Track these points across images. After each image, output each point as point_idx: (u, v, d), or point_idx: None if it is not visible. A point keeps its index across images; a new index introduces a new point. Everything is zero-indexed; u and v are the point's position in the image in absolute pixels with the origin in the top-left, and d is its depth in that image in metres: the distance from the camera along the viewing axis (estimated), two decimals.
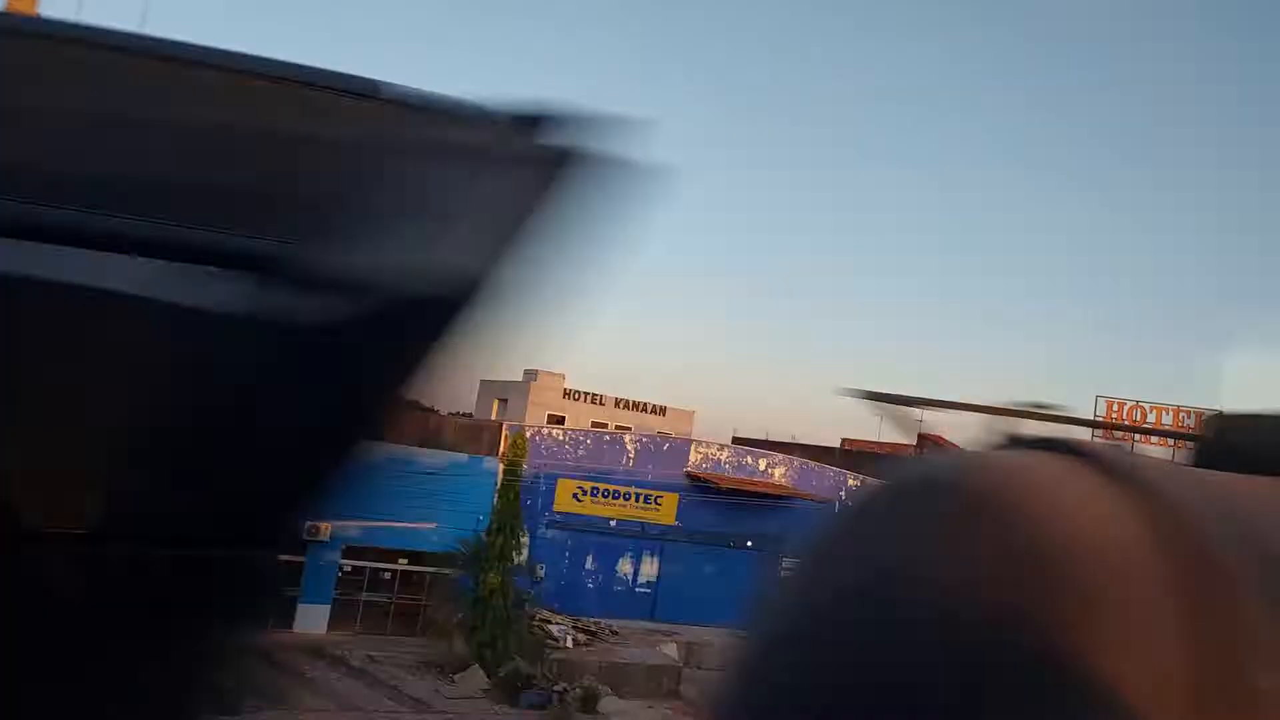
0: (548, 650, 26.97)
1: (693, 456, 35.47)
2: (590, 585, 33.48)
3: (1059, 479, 0.45)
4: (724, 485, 34.42)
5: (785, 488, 36.76)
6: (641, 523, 34.41)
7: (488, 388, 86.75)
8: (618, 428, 77.25)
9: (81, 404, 0.78)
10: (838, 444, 53.03)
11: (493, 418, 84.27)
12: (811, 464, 39.29)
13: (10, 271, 0.73)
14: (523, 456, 28.48)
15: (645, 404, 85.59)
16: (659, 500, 34.62)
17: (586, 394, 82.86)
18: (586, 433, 34.75)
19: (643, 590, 34.50)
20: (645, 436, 35.59)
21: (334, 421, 0.88)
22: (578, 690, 25.03)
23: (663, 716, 25.63)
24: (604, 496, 33.65)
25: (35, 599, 0.77)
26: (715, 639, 33.30)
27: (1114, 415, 50.73)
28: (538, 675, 25.66)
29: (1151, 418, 50.19)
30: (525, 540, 27.52)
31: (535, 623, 28.35)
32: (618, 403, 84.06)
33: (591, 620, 30.61)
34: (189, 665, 0.87)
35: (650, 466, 34.52)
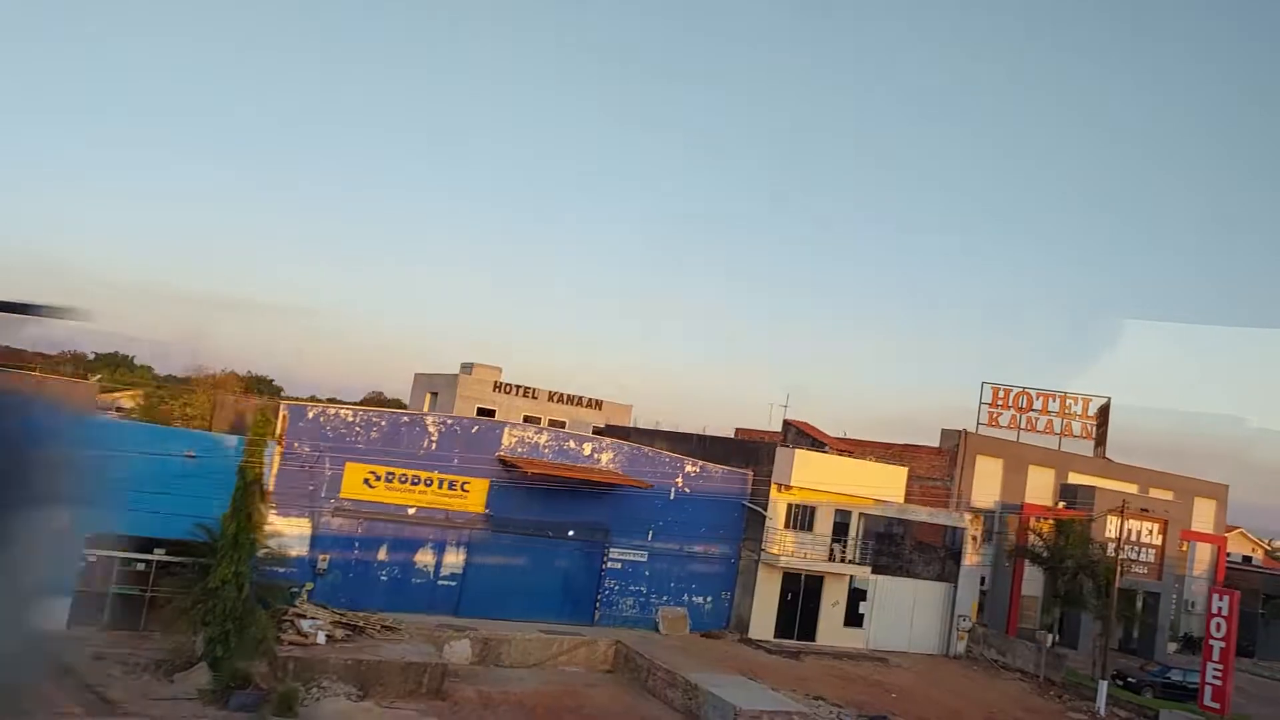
0: (286, 648, 24.56)
1: (505, 440, 33.12)
2: (384, 578, 31.06)
3: None
4: (538, 470, 32.11)
5: (611, 473, 34.49)
6: (446, 511, 32.05)
7: (422, 381, 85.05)
8: (551, 422, 75.23)
9: None
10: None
11: (424, 408, 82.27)
12: (646, 449, 36.99)
13: None
14: (265, 435, 26.03)
15: (580, 397, 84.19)
16: (465, 487, 32.26)
17: (518, 387, 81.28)
18: (381, 413, 32.30)
19: (447, 584, 32.09)
20: (451, 419, 33.17)
21: None
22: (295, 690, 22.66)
23: (382, 715, 23.27)
24: (400, 482, 31.25)
25: None
26: (521, 635, 31.06)
27: (999, 401, 48.80)
28: (264, 674, 23.28)
29: (1038, 404, 48.22)
30: (265, 527, 25.01)
31: (287, 618, 25.96)
32: (551, 396, 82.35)
33: (364, 615, 28.22)
34: None
35: (456, 450, 32.15)
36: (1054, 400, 49.32)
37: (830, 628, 37.88)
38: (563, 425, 64.89)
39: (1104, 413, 49.45)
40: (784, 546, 36.23)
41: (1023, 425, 49.31)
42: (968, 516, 41.61)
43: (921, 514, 40.69)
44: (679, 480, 36.17)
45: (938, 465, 44.58)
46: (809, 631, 37.52)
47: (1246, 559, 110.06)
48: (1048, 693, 36.36)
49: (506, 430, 33.39)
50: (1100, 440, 51.55)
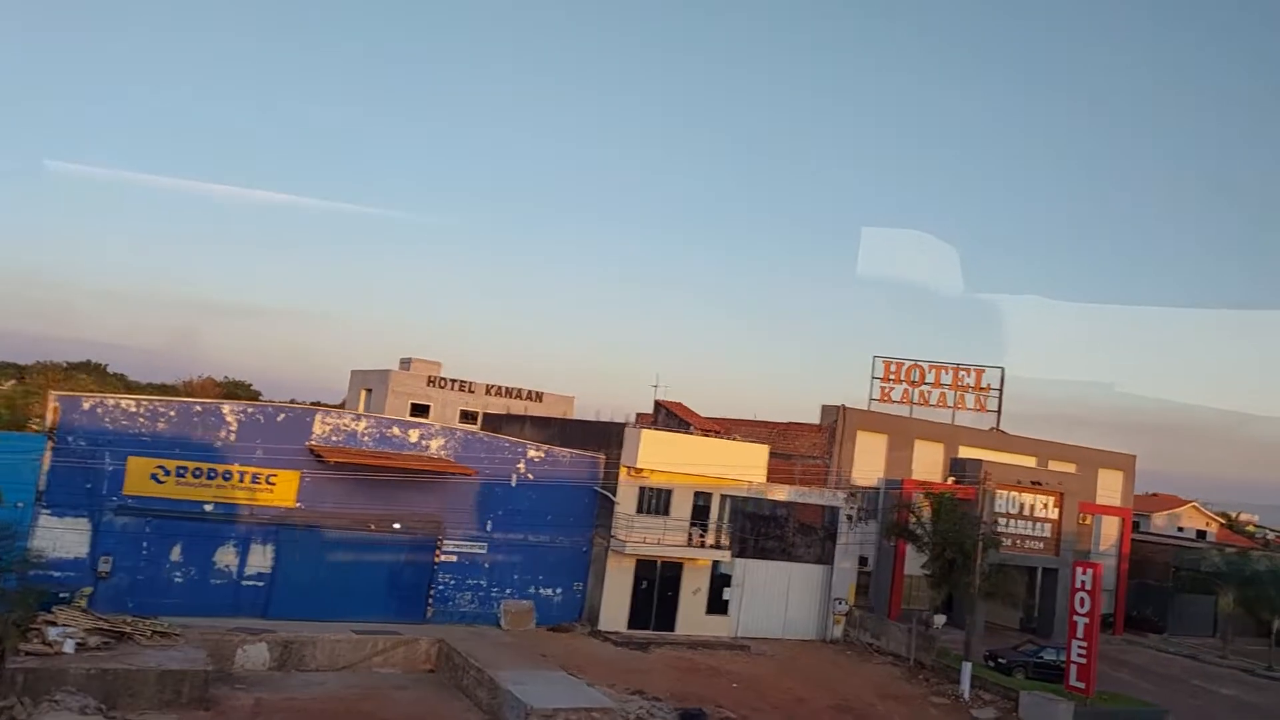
0: (22, 658, 22.37)
1: (317, 429, 30.94)
2: (178, 580, 28.86)
3: None
4: (341, 459, 29.97)
5: (442, 462, 32.39)
6: (250, 506, 29.88)
7: (357, 377, 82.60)
8: (486, 415, 72.83)
9: None
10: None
11: (360, 406, 79.91)
12: (483, 435, 34.95)
13: None
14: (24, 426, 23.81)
15: (520, 390, 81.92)
16: (272, 479, 30.09)
17: (454, 381, 79.11)
18: (169, 402, 30.04)
19: (253, 584, 29.91)
20: (252, 407, 30.97)
21: None
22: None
23: None
24: (195, 476, 29.05)
25: None
26: (329, 636, 28.95)
27: (892, 375, 46.99)
28: None
29: (931, 377, 46.38)
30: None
31: (35, 625, 23.76)
32: (489, 389, 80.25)
33: (133, 620, 26.00)
34: None
35: (259, 441, 29.98)
36: (946, 373, 47.52)
37: (691, 616, 35.91)
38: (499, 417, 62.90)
39: (1000, 385, 47.68)
40: (634, 533, 34.22)
41: (915, 400, 47.50)
42: (841, 495, 39.74)
43: (791, 493, 38.76)
44: (521, 466, 34.10)
45: (818, 443, 42.68)
46: (667, 621, 35.53)
47: (1201, 533, 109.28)
48: (916, 676, 34.54)
49: (318, 418, 31.20)
50: (997, 413, 49.81)
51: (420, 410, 75.87)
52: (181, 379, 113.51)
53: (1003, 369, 47.54)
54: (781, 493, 38.59)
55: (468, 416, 76.96)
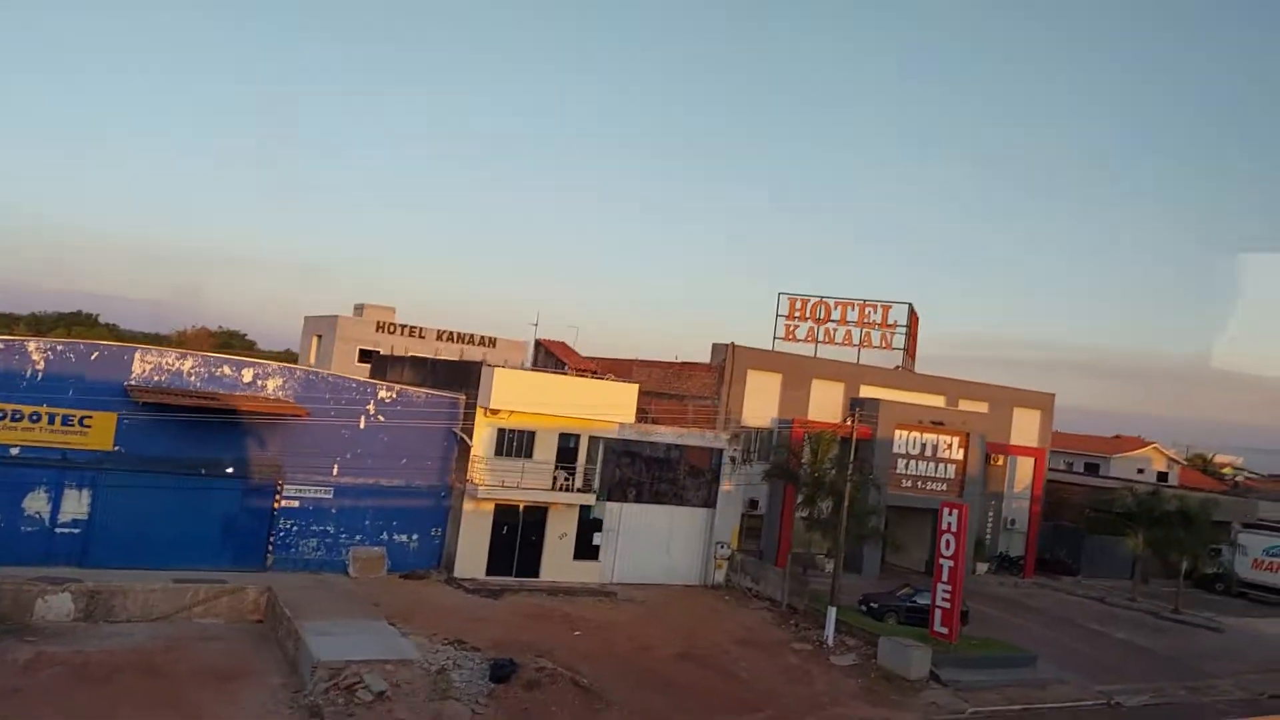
0: None
1: (137, 367, 29.16)
2: None
3: None
4: (152, 399, 28.21)
5: (270, 402, 30.67)
6: (63, 450, 28.20)
7: (310, 324, 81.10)
8: (437, 361, 71.74)
9: None
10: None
11: (312, 353, 78.58)
12: (328, 375, 33.24)
13: None
14: None
15: (471, 335, 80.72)
16: (86, 421, 28.36)
17: (404, 327, 77.89)
18: None
19: (68, 531, 28.33)
20: (62, 344, 29.11)
21: None
22: None
23: None
24: None
25: None
26: (143, 585, 27.42)
27: (797, 311, 45.24)
28: None
29: (836, 314, 44.63)
30: None
31: None
32: (440, 335, 78.95)
33: None
34: None
35: (71, 381, 28.20)
36: (852, 309, 45.70)
37: (558, 562, 34.50)
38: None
39: (908, 322, 45.91)
40: (492, 476, 32.66)
41: (820, 337, 45.76)
42: (724, 436, 38.16)
43: (670, 434, 37.16)
44: (370, 408, 32.41)
45: (709, 383, 41.00)
46: (531, 567, 34.13)
47: (1163, 476, 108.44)
48: (787, 622, 33.26)
49: (138, 356, 29.41)
50: (909, 351, 48.13)
51: (369, 356, 74.92)
52: (175, 329, 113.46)
53: (909, 305, 45.75)
54: (658, 433, 36.99)
55: (420, 362, 76.23)
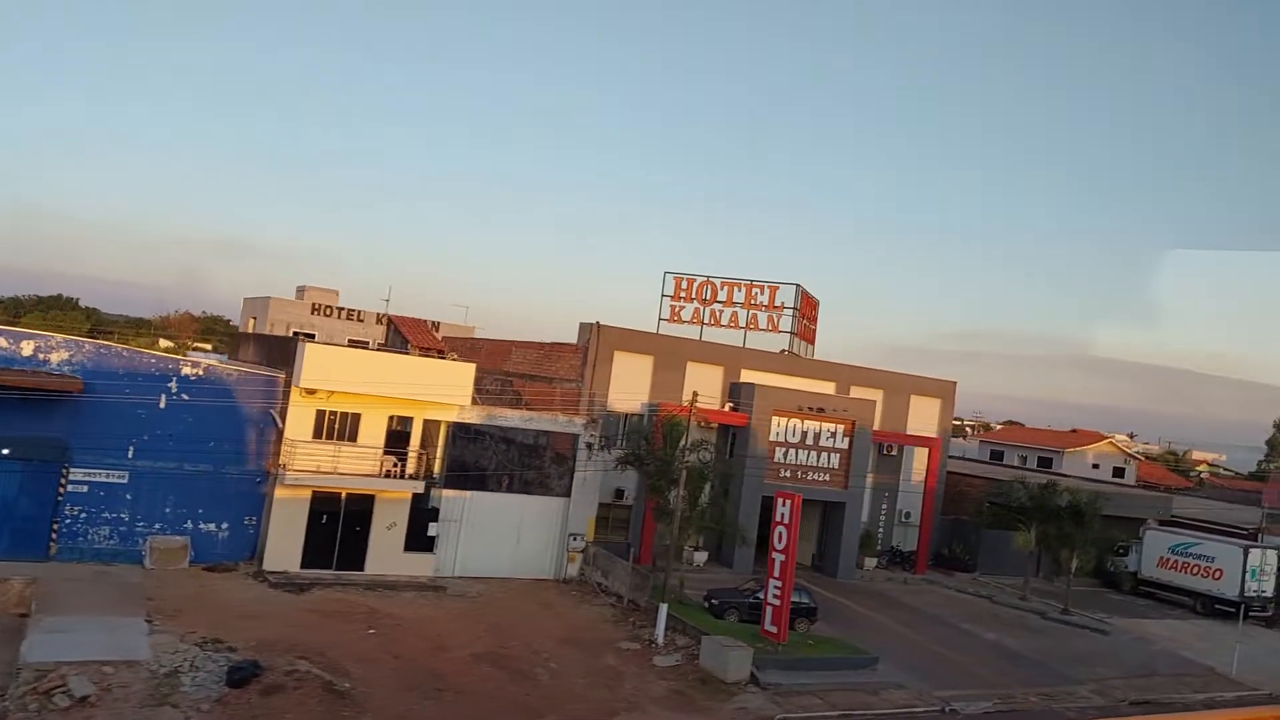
0: None
1: None
2: None
3: None
4: None
5: (38, 377, 28.22)
6: None
7: (249, 305, 79.11)
8: (379, 345, 69.61)
9: None
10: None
11: (250, 330, 76.61)
12: (122, 349, 30.83)
13: None
14: None
15: (411, 319, 79.03)
16: None
17: (343, 310, 76.07)
18: None
19: None
20: None
21: None
22: None
23: None
24: None
25: None
26: None
27: (683, 291, 42.99)
28: None
29: (723, 294, 42.39)
30: None
31: None
32: (379, 318, 76.98)
33: None
34: None
35: None
36: (739, 290, 43.47)
37: (386, 554, 32.20)
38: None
39: (796, 304, 43.66)
40: (307, 461, 30.35)
41: (706, 319, 43.53)
42: (580, 421, 35.91)
43: (514, 419, 34.92)
44: (173, 385, 30.03)
45: (575, 365, 38.70)
46: (354, 560, 31.82)
47: (1119, 470, 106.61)
48: (627, 619, 31.08)
49: None
50: (806, 335, 45.95)
51: (307, 338, 73.25)
52: (159, 314, 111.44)
53: (797, 286, 43.47)
54: (503, 417, 34.74)
55: (355, 344, 74.69)
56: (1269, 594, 42.90)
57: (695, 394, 32.76)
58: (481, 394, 44.51)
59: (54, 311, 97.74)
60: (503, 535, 34.84)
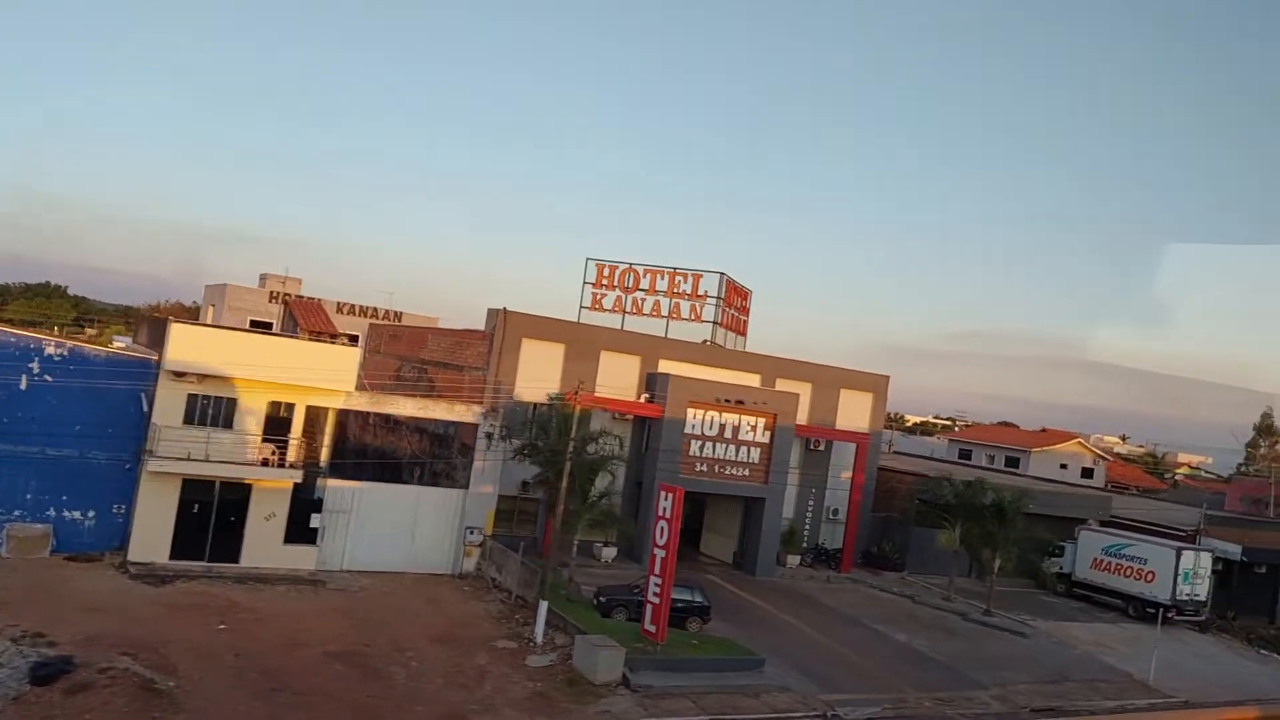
0: None
1: None
2: None
3: None
4: None
5: None
6: None
7: (209, 292, 77.86)
8: (330, 337, 68.78)
9: None
10: None
11: (209, 318, 75.35)
12: None
13: None
14: None
15: (375, 309, 77.77)
16: None
17: (300, 297, 74.98)
18: None
19: None
20: None
21: None
22: None
23: None
24: None
25: None
26: None
27: (604, 279, 41.60)
28: None
29: (645, 282, 41.03)
30: None
31: None
32: (340, 307, 75.65)
33: None
34: None
35: None
36: (662, 278, 42.09)
37: (264, 546, 30.75)
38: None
39: (719, 293, 42.30)
40: (175, 447, 28.88)
41: (628, 307, 42.14)
42: (479, 410, 34.50)
43: (406, 406, 33.50)
44: (35, 366, 28.54)
45: (483, 352, 37.28)
46: (229, 551, 30.36)
47: (1088, 471, 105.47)
48: (514, 616, 29.72)
49: None
50: (736, 326, 44.63)
51: (261, 327, 72.19)
52: (148, 302, 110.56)
53: (722, 274, 42.12)
54: (394, 405, 33.33)
55: (315, 335, 73.50)
56: (1202, 598, 41.73)
57: (580, 382, 31.40)
58: (398, 382, 43.17)
59: (40, 299, 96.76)
60: (397, 528, 33.45)
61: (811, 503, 43.58)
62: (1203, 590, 41.66)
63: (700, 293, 41.89)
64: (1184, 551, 41.22)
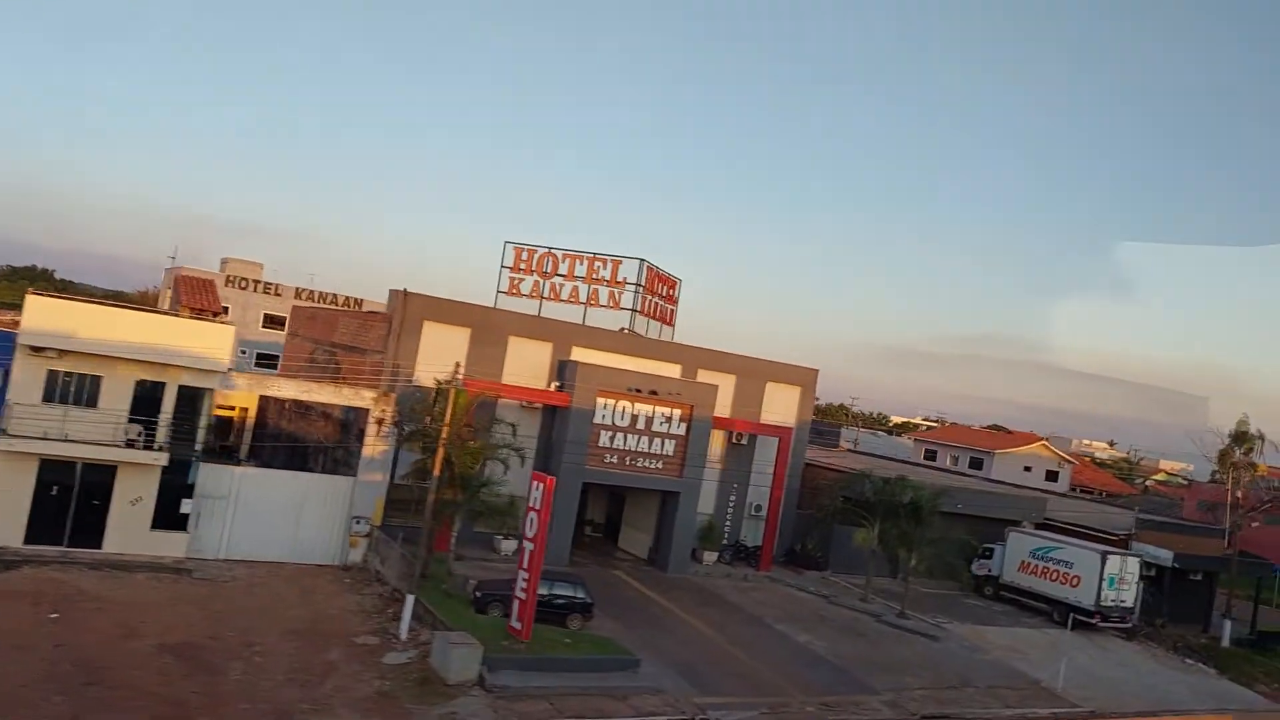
0: None
1: None
2: None
3: None
4: None
5: None
6: None
7: (168, 275, 76.70)
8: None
9: None
10: None
11: (165, 304, 74.21)
12: None
13: None
14: None
15: (334, 295, 77.48)
16: None
17: (258, 283, 74.66)
18: None
19: None
20: None
21: None
22: None
23: None
24: None
25: None
26: None
27: (523, 263, 40.20)
28: None
29: (564, 267, 39.66)
30: None
31: None
32: (298, 293, 75.05)
33: None
34: None
35: None
36: (581, 263, 40.70)
37: (129, 532, 29.25)
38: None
39: (660, 283, 40.94)
40: (28, 425, 27.34)
41: (546, 293, 40.73)
42: (370, 395, 33.06)
43: (290, 389, 32.05)
44: None
45: (384, 335, 35.80)
46: (91, 536, 28.85)
47: (1053, 474, 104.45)
48: (388, 609, 28.31)
49: None
50: (661, 315, 43.28)
51: (222, 312, 71.50)
52: (138, 289, 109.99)
53: (642, 261, 40.71)
54: (278, 387, 31.88)
55: (272, 320, 72.54)
56: (1129, 604, 40.56)
57: (457, 364, 29.97)
58: (311, 365, 41.68)
59: (23, 281, 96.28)
60: (282, 516, 32.01)
61: (734, 498, 42.27)
62: (1129, 596, 40.51)
63: (620, 279, 40.50)
64: (1110, 556, 40.02)
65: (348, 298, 75.20)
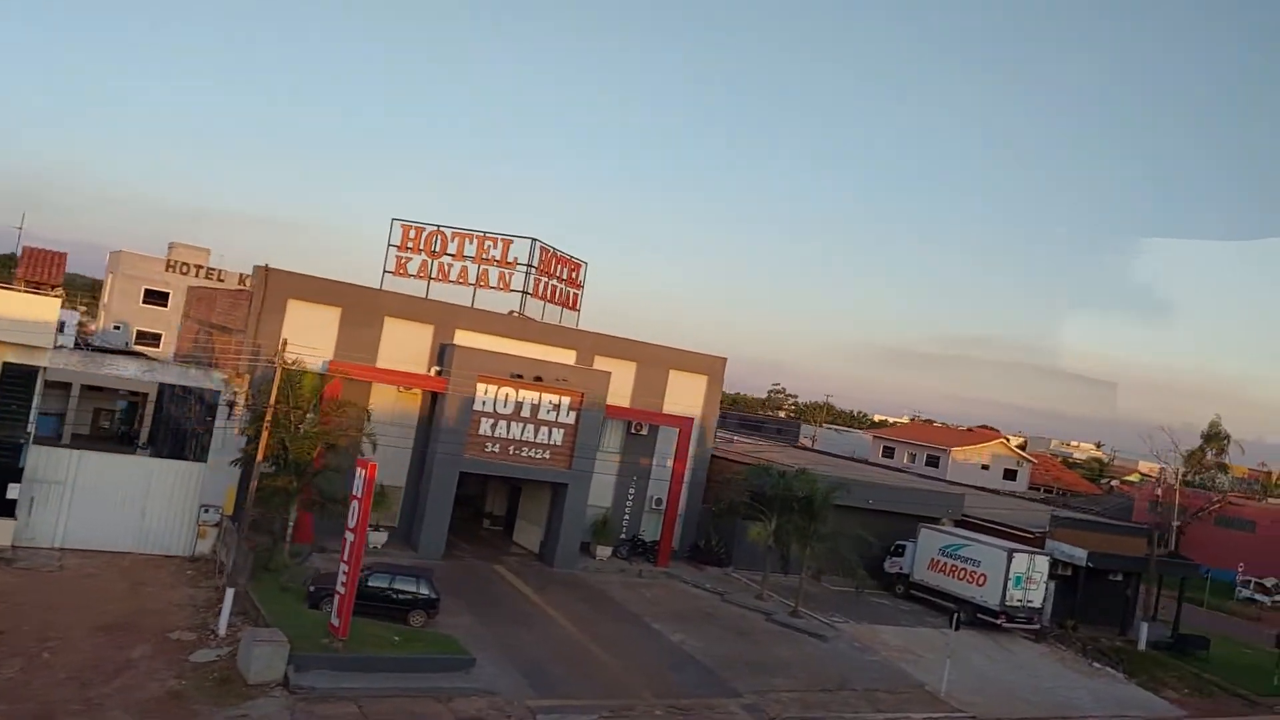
0: None
1: None
2: None
3: None
4: None
5: None
6: None
7: (112, 259, 74.66)
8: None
9: None
10: None
11: (106, 291, 72.19)
12: None
13: None
14: None
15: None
16: None
17: (199, 268, 72.94)
18: None
19: None
20: None
21: None
22: None
23: None
24: None
25: None
26: None
27: (411, 241, 38.36)
28: None
29: (453, 246, 37.86)
30: None
31: None
32: (242, 279, 73.07)
33: None
34: None
35: None
36: (470, 242, 38.87)
37: None
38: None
39: (531, 260, 39.14)
40: None
41: (434, 273, 38.88)
42: (219, 376, 31.16)
43: (127, 368, 30.11)
44: None
45: (245, 314, 33.87)
46: None
47: (1011, 473, 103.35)
48: (219, 604, 26.39)
49: None
50: (562, 299, 41.52)
51: (157, 297, 69.57)
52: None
53: (534, 240, 38.93)
54: (112, 364, 29.92)
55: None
56: (1036, 604, 39.14)
57: (285, 341, 28.05)
58: (194, 345, 39.71)
59: None
60: (126, 503, 30.11)
61: (633, 491, 40.60)
62: (1037, 596, 39.08)
63: (510, 259, 38.70)
64: (1016, 554, 38.56)
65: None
